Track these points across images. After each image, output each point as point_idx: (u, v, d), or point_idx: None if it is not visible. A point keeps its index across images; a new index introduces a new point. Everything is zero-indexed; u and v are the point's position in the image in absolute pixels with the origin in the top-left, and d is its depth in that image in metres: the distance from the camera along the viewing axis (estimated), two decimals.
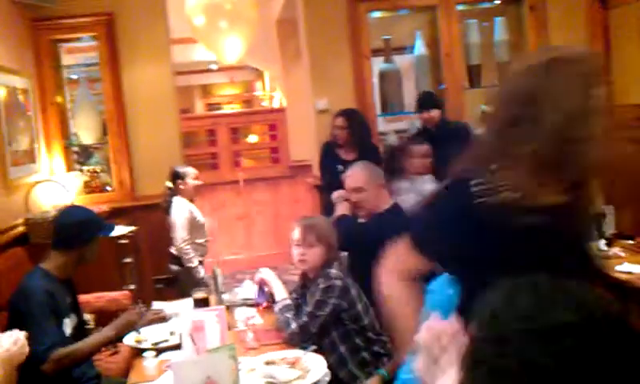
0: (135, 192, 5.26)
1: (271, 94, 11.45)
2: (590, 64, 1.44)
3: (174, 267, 4.55)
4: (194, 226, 4.53)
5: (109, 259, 4.38)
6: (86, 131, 5.28)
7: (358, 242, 3.33)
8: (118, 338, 2.88)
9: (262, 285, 3.07)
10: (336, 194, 3.84)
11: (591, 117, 1.38)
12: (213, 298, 3.26)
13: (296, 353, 2.53)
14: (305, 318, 2.72)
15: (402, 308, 1.67)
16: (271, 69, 9.41)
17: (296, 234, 2.89)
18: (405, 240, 1.65)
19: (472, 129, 4.93)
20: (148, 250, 5.12)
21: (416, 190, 4.00)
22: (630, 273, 3.28)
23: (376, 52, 5.54)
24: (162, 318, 3.07)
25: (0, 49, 4.30)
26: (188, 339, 2.44)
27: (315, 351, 2.56)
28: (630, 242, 3.81)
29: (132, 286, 4.55)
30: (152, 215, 5.04)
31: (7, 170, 4.09)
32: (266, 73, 11.22)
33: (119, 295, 4.10)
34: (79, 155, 5.45)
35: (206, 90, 13.20)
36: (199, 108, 12.86)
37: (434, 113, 4.82)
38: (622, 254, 3.62)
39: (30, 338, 2.20)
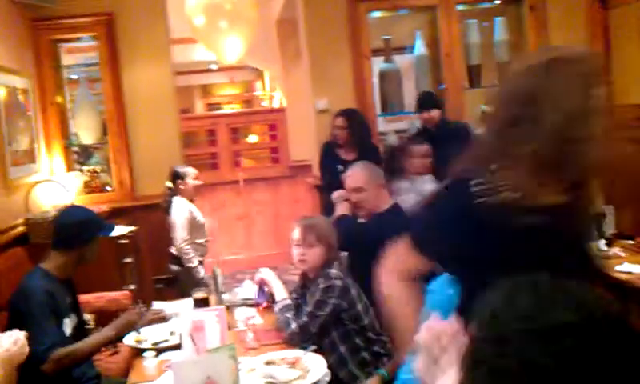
0: (135, 192, 5.26)
1: (271, 94, 11.45)
2: (590, 64, 1.44)
3: (174, 267, 4.55)
4: (194, 226, 4.53)
5: (109, 259, 4.38)
6: (86, 131, 5.28)
7: (358, 242, 3.33)
8: (118, 338, 2.88)
9: (262, 285, 3.07)
10: (336, 194, 3.84)
11: (591, 117, 1.38)
12: (213, 298, 3.26)
13: (296, 353, 2.53)
14: (305, 318, 2.72)
15: (402, 308, 1.67)
16: (271, 69, 9.41)
17: (296, 234, 2.89)
18: (405, 240, 1.65)
19: (472, 129, 4.93)
20: (148, 250, 5.13)
21: (416, 189, 4.00)
22: (630, 273, 3.28)
23: (376, 52, 5.54)
24: (162, 318, 3.07)
25: (0, 49, 4.30)
26: (188, 339, 2.44)
27: (315, 351, 2.56)
28: (630, 241, 3.81)
29: (132, 286, 4.55)
30: (152, 215, 5.04)
31: (7, 170, 4.09)
32: (266, 73, 11.22)
33: (119, 295, 4.10)
34: (79, 155, 5.45)
35: (205, 89, 13.21)
36: (199, 108, 12.86)
37: (434, 113, 4.82)
38: (622, 254, 3.62)
39: (29, 338, 2.20)
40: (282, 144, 7.84)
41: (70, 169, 5.23)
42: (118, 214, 4.86)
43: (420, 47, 5.53)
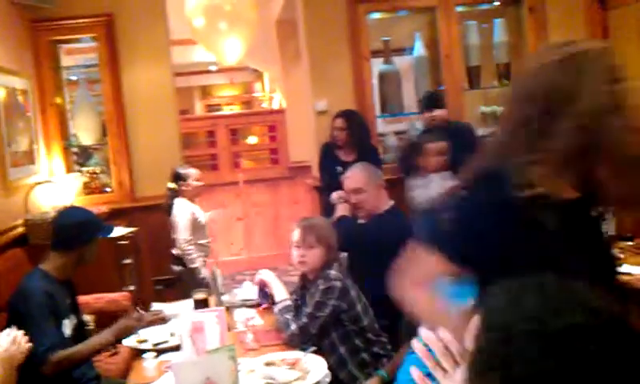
0: (135, 193, 5.26)
1: (271, 95, 11.46)
2: (611, 58, 1.41)
3: (176, 268, 4.55)
4: (196, 227, 4.53)
5: (108, 260, 4.38)
6: (85, 132, 5.28)
7: (358, 243, 3.34)
8: (117, 340, 2.88)
9: (262, 286, 3.07)
10: (336, 195, 3.85)
11: (615, 111, 1.36)
12: (212, 299, 3.25)
13: (296, 354, 2.53)
14: (304, 319, 2.72)
15: (443, 321, 1.40)
16: (271, 70, 9.42)
17: (296, 235, 2.89)
18: (424, 244, 1.52)
19: (475, 129, 4.96)
20: (147, 251, 5.12)
21: (431, 187, 3.99)
22: (630, 274, 3.28)
23: (375, 53, 5.54)
24: (162, 319, 3.07)
25: None
26: (188, 340, 2.44)
27: (315, 352, 2.56)
28: (630, 243, 3.81)
29: (131, 287, 4.55)
30: (151, 216, 5.04)
31: (7, 171, 4.09)
32: (266, 74, 11.23)
33: (119, 296, 4.10)
34: (79, 156, 5.45)
35: (205, 91, 13.22)
36: (199, 109, 12.87)
37: (438, 113, 4.82)
38: (622, 256, 3.62)
39: (29, 339, 2.20)
40: (282, 145, 7.84)
41: (69, 170, 5.23)
42: (118, 215, 4.86)
43: (419, 48, 5.53)
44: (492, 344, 0.82)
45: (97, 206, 4.76)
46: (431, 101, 4.90)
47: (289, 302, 2.86)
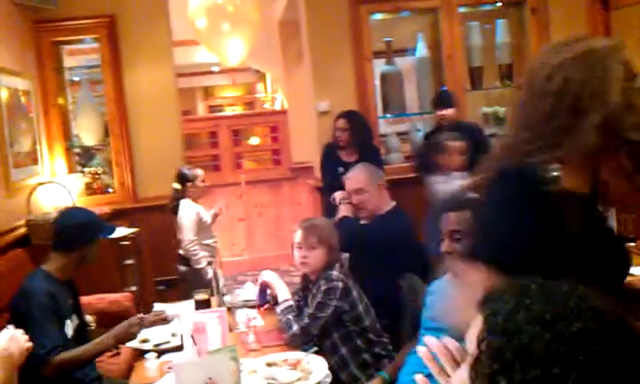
0: (137, 194, 5.27)
1: (273, 96, 11.46)
2: (624, 54, 1.41)
3: (182, 268, 4.55)
4: (202, 228, 4.53)
5: (110, 261, 4.39)
6: (87, 133, 5.28)
7: (360, 244, 3.34)
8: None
9: (263, 287, 3.07)
10: (339, 196, 3.84)
11: (630, 109, 1.35)
12: (214, 300, 3.25)
13: (297, 354, 2.53)
14: (306, 320, 2.72)
15: None
16: (273, 71, 9.42)
17: (297, 236, 2.89)
18: (465, 264, 1.42)
19: (484, 129, 4.98)
20: (149, 251, 5.13)
21: (453, 185, 3.98)
22: (632, 275, 3.27)
23: (377, 54, 5.54)
24: (164, 320, 3.07)
25: (2, 51, 4.31)
26: (189, 341, 2.44)
27: (316, 353, 2.56)
28: (632, 244, 3.80)
29: (133, 288, 4.55)
30: (153, 217, 5.05)
31: (9, 172, 4.09)
32: (268, 75, 11.23)
33: (120, 297, 4.11)
34: (81, 157, 5.45)
35: (207, 91, 13.24)
36: (201, 110, 12.89)
37: (449, 111, 4.83)
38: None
39: (30, 340, 2.19)
40: (284, 146, 7.84)
41: (71, 170, 5.23)
42: (120, 215, 4.86)
43: (422, 49, 5.53)
44: (497, 348, 0.81)
45: (99, 206, 4.77)
46: (441, 100, 4.91)
47: (291, 303, 2.86)
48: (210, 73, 11.67)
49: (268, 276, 3.03)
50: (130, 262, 4.72)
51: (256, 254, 7.41)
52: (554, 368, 0.76)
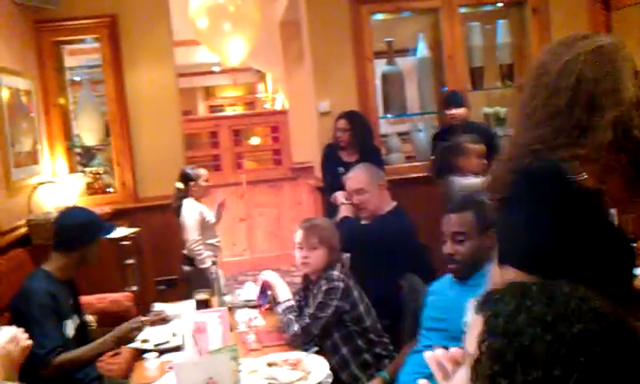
0: (137, 193, 5.27)
1: (273, 96, 11.46)
2: (628, 50, 1.40)
3: (186, 268, 4.55)
4: (205, 227, 4.53)
5: (111, 261, 4.39)
6: (88, 133, 5.28)
7: (360, 244, 3.34)
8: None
9: (263, 287, 3.07)
10: (341, 196, 3.84)
11: (637, 106, 1.34)
12: (215, 300, 3.25)
13: (298, 354, 2.53)
14: (307, 320, 2.72)
15: None
16: (274, 71, 9.42)
17: (298, 236, 2.89)
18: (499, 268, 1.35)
19: (492, 129, 4.99)
20: (150, 251, 5.13)
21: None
22: (634, 276, 3.27)
23: (378, 54, 5.54)
24: (163, 320, 3.07)
25: (3, 50, 4.31)
26: (190, 340, 2.44)
27: (317, 353, 2.56)
28: (633, 245, 3.80)
29: (134, 288, 4.55)
30: (154, 217, 5.05)
31: (10, 172, 4.09)
32: (269, 75, 11.23)
33: (121, 297, 4.11)
34: (82, 157, 5.45)
35: (208, 91, 13.23)
36: (202, 110, 12.88)
37: (460, 111, 4.82)
38: None
39: (30, 340, 2.19)
40: (284, 146, 7.84)
41: (72, 170, 5.23)
42: (121, 215, 4.86)
43: (422, 49, 5.53)
44: (498, 349, 0.81)
45: (100, 206, 4.77)
46: (452, 100, 4.90)
47: (292, 303, 2.86)
48: (211, 73, 11.66)
49: (269, 276, 3.03)
50: (130, 261, 4.72)
51: (257, 254, 7.41)
52: (555, 369, 0.76)
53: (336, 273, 2.78)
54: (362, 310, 2.77)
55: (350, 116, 4.92)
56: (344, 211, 3.66)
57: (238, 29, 5.74)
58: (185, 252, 4.55)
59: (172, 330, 2.95)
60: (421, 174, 5.08)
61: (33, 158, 4.63)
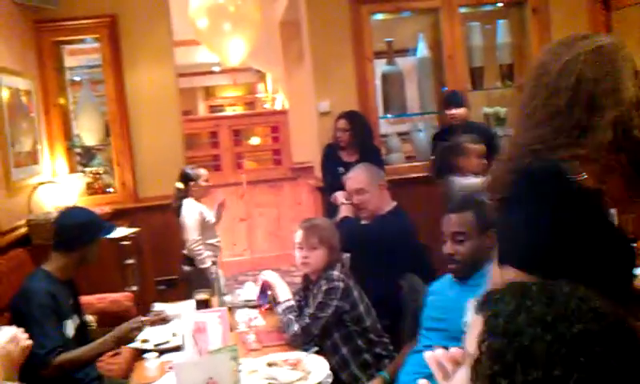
0: (137, 193, 5.27)
1: (273, 96, 11.45)
2: (628, 50, 1.40)
3: (186, 268, 4.55)
4: (205, 227, 4.53)
5: (111, 261, 4.39)
6: (88, 133, 5.28)
7: (360, 244, 3.34)
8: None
9: (263, 287, 3.06)
10: (341, 196, 3.83)
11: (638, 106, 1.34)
12: (215, 300, 3.25)
13: (298, 354, 2.53)
14: (307, 320, 2.72)
15: None
16: (274, 71, 9.42)
17: (298, 236, 2.89)
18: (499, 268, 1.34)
19: (492, 129, 4.98)
20: (150, 251, 5.13)
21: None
22: (634, 276, 3.27)
23: (378, 54, 5.54)
24: (163, 320, 3.07)
25: (3, 50, 4.31)
26: (190, 340, 2.44)
27: (317, 353, 2.56)
28: (633, 245, 3.80)
29: (134, 288, 4.55)
30: (154, 217, 5.05)
31: (10, 172, 4.09)
32: (269, 75, 11.23)
33: (121, 297, 4.11)
34: (82, 157, 5.45)
35: (208, 91, 13.23)
36: (202, 110, 12.88)
37: (460, 111, 4.82)
38: None
39: (30, 340, 2.19)
40: (284, 146, 7.84)
41: (72, 170, 5.23)
42: (121, 215, 4.86)
43: (422, 49, 5.53)
44: (498, 349, 0.81)
45: (100, 206, 4.77)
46: (451, 100, 4.90)
47: (292, 303, 2.86)
48: (211, 73, 11.66)
49: (269, 276, 3.03)
50: (130, 261, 4.72)
51: (257, 254, 7.41)
52: (555, 370, 0.76)
53: (336, 273, 2.78)
54: (361, 310, 2.77)
55: (350, 116, 4.92)
56: (344, 211, 3.66)
57: (238, 29, 5.74)
58: (185, 252, 4.55)
59: (172, 330, 2.95)
60: (421, 174, 5.08)
61: (33, 158, 4.63)
